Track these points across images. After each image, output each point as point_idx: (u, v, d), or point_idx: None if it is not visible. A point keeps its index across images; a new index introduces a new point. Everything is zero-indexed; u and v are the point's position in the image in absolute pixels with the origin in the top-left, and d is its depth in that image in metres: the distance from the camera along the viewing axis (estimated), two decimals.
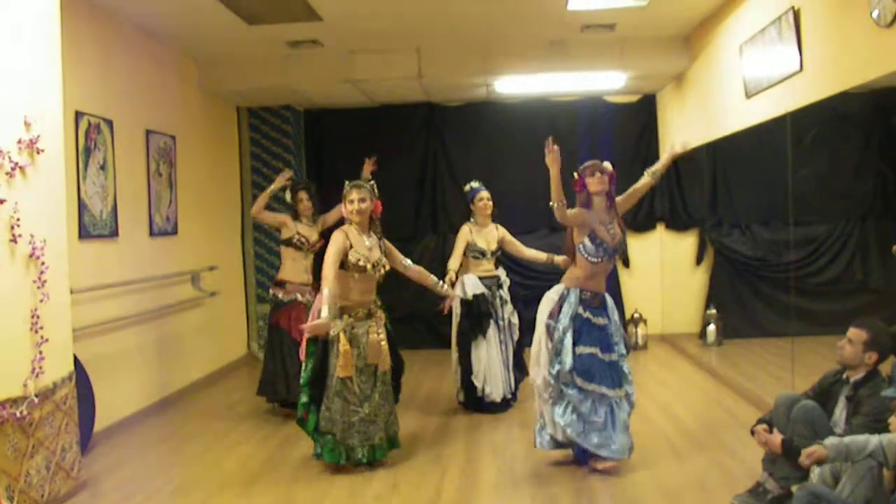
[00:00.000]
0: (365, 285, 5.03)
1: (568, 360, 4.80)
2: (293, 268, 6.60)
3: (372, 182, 5.16)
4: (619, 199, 5.05)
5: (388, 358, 5.09)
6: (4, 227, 4.16)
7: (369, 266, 4.98)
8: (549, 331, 4.90)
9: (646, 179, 5.11)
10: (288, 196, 6.73)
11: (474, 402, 6.43)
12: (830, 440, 3.33)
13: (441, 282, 5.69)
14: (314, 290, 6.64)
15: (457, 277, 6.31)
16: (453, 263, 6.36)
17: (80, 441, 4.85)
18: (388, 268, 5.12)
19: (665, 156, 5.28)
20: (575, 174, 4.98)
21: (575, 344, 4.84)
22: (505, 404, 6.46)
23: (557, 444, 4.97)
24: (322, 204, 6.84)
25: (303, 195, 6.66)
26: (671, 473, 4.79)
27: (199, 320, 7.87)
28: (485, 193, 6.57)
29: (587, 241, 4.88)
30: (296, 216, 6.66)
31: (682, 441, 5.45)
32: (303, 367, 4.96)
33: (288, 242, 6.61)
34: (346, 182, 5.16)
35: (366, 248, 5.02)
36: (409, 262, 5.41)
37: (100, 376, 5.81)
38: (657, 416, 6.11)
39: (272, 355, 6.53)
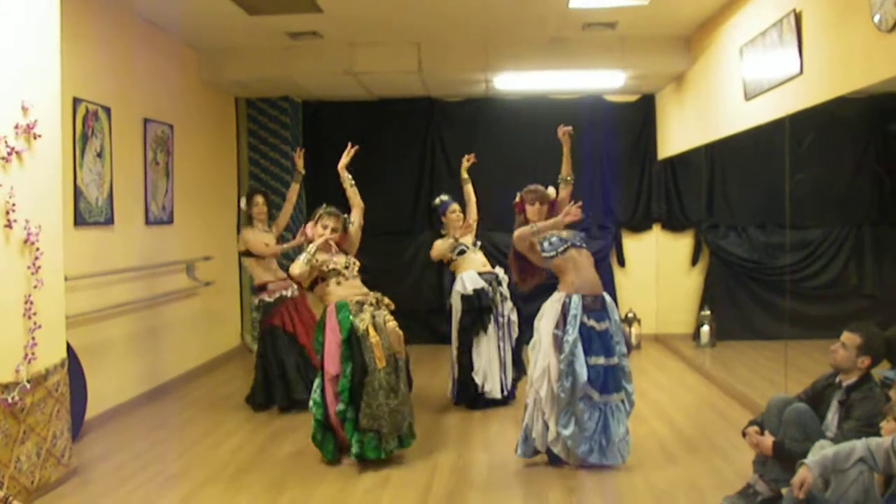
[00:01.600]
0: (351, 283, 5.12)
1: (584, 371, 4.75)
2: (266, 271, 6.62)
3: (346, 216, 5.27)
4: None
5: (404, 346, 5.15)
6: (0, 212, 4.15)
7: (341, 268, 5.09)
8: (558, 342, 4.83)
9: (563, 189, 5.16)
10: (243, 203, 6.77)
11: (469, 399, 6.43)
12: (812, 458, 3.31)
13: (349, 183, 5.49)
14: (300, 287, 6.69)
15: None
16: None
17: (71, 428, 4.85)
18: (358, 265, 5.21)
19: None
20: (517, 195, 5.05)
21: (586, 354, 4.81)
22: (502, 401, 6.46)
23: (535, 452, 4.99)
24: (315, 196, 6.87)
25: (259, 199, 6.72)
26: (662, 474, 4.79)
27: (193, 310, 7.86)
28: (456, 206, 6.70)
29: (544, 245, 4.93)
30: (249, 221, 6.67)
31: (673, 442, 5.46)
32: (342, 375, 4.90)
33: (249, 253, 6.61)
34: (324, 204, 5.32)
35: (331, 258, 5.14)
36: (353, 220, 5.38)
37: (92, 364, 5.81)
38: (649, 416, 6.11)
39: (266, 360, 6.50)
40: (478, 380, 6.35)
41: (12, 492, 4.15)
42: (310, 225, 5.22)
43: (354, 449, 4.88)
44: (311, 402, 5.07)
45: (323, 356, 5.01)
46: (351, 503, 4.43)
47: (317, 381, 5.08)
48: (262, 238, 6.60)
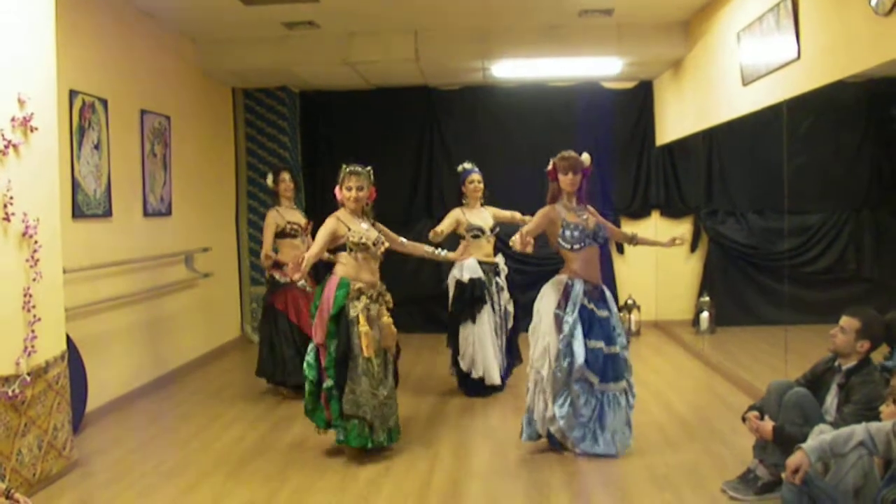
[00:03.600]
0: (370, 264, 5.01)
1: (581, 352, 4.76)
2: (292, 255, 6.59)
3: (369, 168, 5.13)
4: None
5: (396, 341, 5.12)
6: None
7: (370, 243, 4.96)
8: (559, 321, 4.84)
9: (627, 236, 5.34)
10: (269, 180, 6.75)
11: (465, 384, 6.47)
12: (809, 443, 3.31)
13: (437, 249, 5.62)
14: (311, 276, 6.66)
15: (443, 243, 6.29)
16: (440, 228, 6.44)
17: (72, 420, 4.86)
18: (387, 245, 5.09)
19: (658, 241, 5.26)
20: (551, 162, 4.98)
21: (585, 336, 4.82)
22: (499, 387, 6.48)
23: (539, 435, 5.00)
24: (314, 186, 6.87)
25: (285, 175, 6.73)
26: (662, 460, 4.81)
27: (192, 301, 7.86)
28: (476, 176, 6.59)
29: (565, 233, 4.89)
30: (276, 201, 6.67)
31: (673, 428, 5.47)
32: (327, 350, 4.88)
33: (282, 234, 6.60)
34: (344, 166, 5.13)
35: (362, 227, 5.02)
36: (403, 239, 5.42)
37: (92, 356, 5.81)
38: (649, 402, 6.12)
39: (267, 336, 6.56)
40: (463, 365, 6.38)
41: (14, 484, 4.15)
42: (336, 190, 5.08)
43: (339, 436, 4.89)
44: (304, 365, 5.03)
45: (316, 320, 4.98)
46: (352, 493, 4.44)
47: (311, 344, 5.04)
48: (286, 217, 6.62)
